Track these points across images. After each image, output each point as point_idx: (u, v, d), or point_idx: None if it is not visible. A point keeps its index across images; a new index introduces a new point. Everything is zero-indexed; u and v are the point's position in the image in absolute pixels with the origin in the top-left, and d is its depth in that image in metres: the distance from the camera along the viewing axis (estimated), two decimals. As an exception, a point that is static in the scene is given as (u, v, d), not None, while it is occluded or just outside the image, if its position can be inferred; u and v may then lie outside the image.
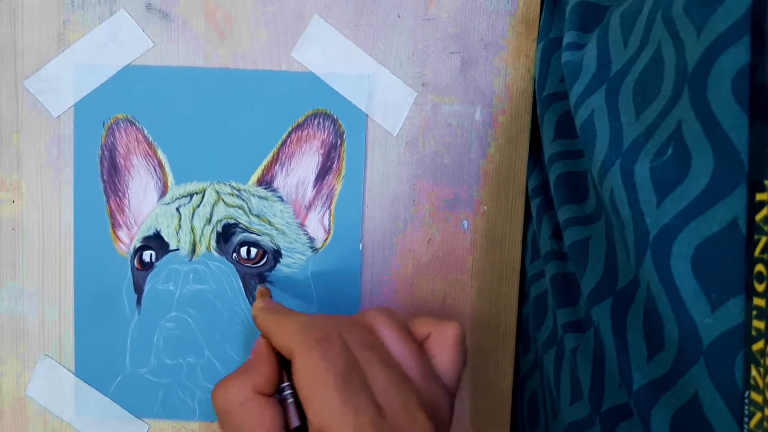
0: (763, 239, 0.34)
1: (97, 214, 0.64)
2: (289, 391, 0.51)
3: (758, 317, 0.34)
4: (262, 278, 0.64)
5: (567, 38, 0.54)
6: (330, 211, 0.64)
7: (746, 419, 0.34)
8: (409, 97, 0.63)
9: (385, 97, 0.63)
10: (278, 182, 0.64)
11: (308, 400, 0.46)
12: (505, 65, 0.63)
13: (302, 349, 0.48)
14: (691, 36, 0.39)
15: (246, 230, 0.64)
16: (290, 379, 0.50)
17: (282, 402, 0.51)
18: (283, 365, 0.52)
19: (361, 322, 0.53)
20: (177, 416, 0.65)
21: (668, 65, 0.41)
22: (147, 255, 0.64)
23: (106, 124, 0.63)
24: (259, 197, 0.64)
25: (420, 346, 0.53)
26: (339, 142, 0.63)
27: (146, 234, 0.64)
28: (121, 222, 0.64)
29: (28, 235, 0.64)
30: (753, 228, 0.34)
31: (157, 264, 0.64)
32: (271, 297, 0.61)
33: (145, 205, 0.64)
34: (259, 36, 0.63)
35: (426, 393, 0.50)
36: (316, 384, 0.46)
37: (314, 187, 0.64)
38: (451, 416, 0.53)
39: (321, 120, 0.63)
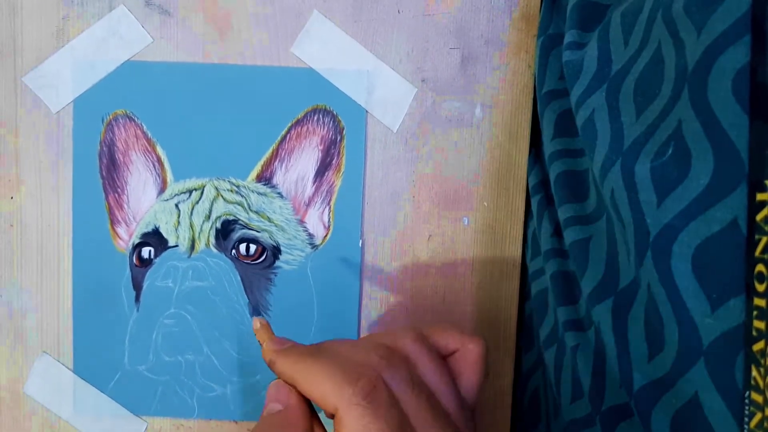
0: (764, 239, 0.34)
1: (96, 210, 0.64)
2: None
3: (759, 317, 0.34)
4: (262, 275, 0.64)
5: (568, 37, 0.54)
6: (329, 208, 0.64)
7: (746, 419, 0.34)
8: (409, 93, 0.63)
9: (385, 93, 0.63)
10: (278, 178, 0.64)
11: None
12: (505, 61, 0.63)
13: (350, 406, 0.43)
14: (692, 36, 0.38)
15: (245, 227, 0.63)
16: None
17: None
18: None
19: (396, 350, 0.49)
20: (175, 414, 0.65)
21: (668, 65, 0.41)
22: (146, 251, 0.64)
23: (105, 120, 0.63)
24: (259, 193, 0.63)
25: (448, 370, 0.51)
26: (339, 138, 0.63)
27: (145, 230, 0.64)
28: (119, 218, 0.64)
29: (26, 231, 0.64)
30: (753, 228, 0.34)
31: (155, 260, 0.64)
32: (271, 330, 0.54)
33: (144, 202, 0.64)
34: (258, 32, 0.62)
35: (460, 422, 0.48)
36: None
37: (314, 183, 0.64)
38: None
39: (320, 116, 0.63)
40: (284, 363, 0.48)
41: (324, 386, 0.44)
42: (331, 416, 0.44)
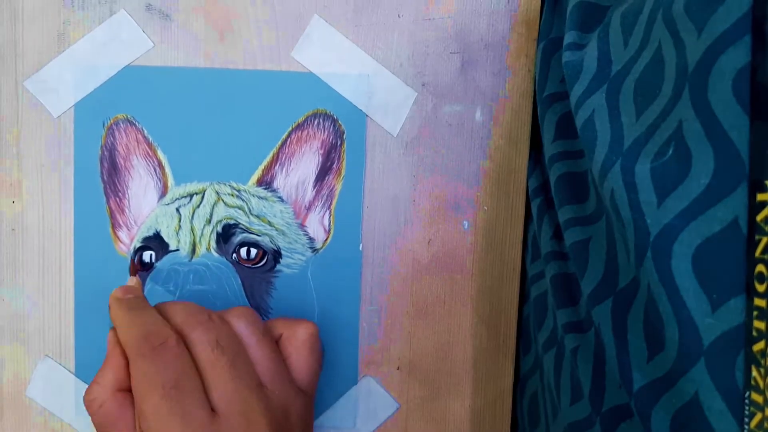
0: (764, 239, 0.34)
1: (97, 214, 0.64)
2: None
3: (759, 318, 0.34)
4: (263, 279, 0.64)
5: (567, 38, 0.54)
6: (330, 212, 0.64)
7: (747, 420, 0.34)
8: (409, 98, 0.63)
9: (385, 98, 0.63)
10: (278, 182, 0.64)
11: (138, 409, 0.48)
12: (506, 65, 0.63)
13: (135, 357, 0.49)
14: (692, 36, 0.39)
15: (246, 231, 0.64)
16: None
17: None
18: None
19: (223, 320, 0.54)
20: (177, 417, 0.65)
21: (669, 65, 0.41)
22: (147, 255, 0.64)
23: (106, 125, 0.63)
24: (259, 197, 0.64)
25: (278, 350, 0.55)
26: (339, 143, 0.63)
27: (146, 234, 0.64)
28: (121, 222, 0.64)
29: (28, 235, 0.64)
30: (754, 228, 0.34)
31: (157, 264, 0.64)
32: (140, 289, 0.60)
33: (145, 206, 0.64)
34: (258, 36, 0.63)
35: (277, 397, 0.52)
36: (145, 393, 0.48)
37: (314, 187, 0.64)
38: (307, 419, 0.55)
39: (321, 120, 0.63)
40: (114, 311, 0.54)
41: (126, 335, 0.51)
42: None
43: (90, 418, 0.52)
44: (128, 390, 0.51)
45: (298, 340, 0.55)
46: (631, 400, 0.42)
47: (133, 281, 0.61)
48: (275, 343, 0.55)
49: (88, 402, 0.51)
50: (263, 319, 0.63)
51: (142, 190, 0.64)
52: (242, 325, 0.54)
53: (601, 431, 0.46)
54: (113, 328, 0.53)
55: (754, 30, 0.35)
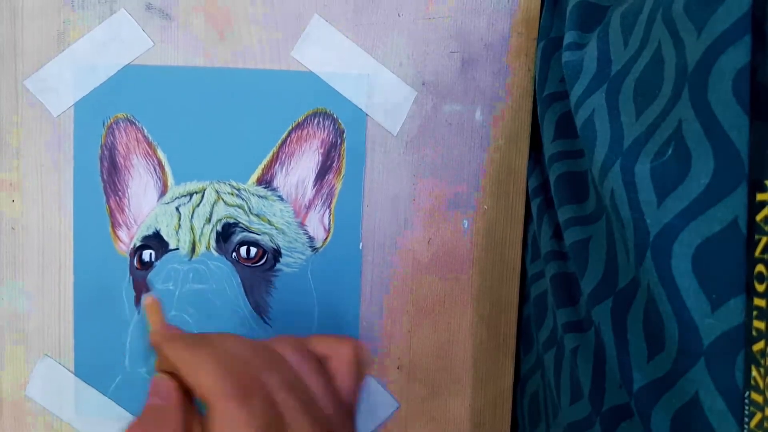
0: (764, 239, 0.34)
1: (97, 213, 0.64)
2: None
3: (759, 317, 0.34)
4: (263, 278, 0.64)
5: (567, 38, 0.54)
6: (330, 211, 0.64)
7: (747, 419, 0.34)
8: (409, 97, 0.63)
9: (385, 97, 0.63)
10: (278, 181, 0.64)
11: None
12: (506, 65, 0.63)
13: (223, 399, 0.45)
14: (692, 36, 0.39)
15: (246, 230, 0.64)
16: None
17: None
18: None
19: (278, 355, 0.51)
20: (176, 416, 0.65)
21: (668, 65, 0.41)
22: (147, 254, 0.64)
23: (106, 124, 0.63)
24: (259, 196, 0.64)
25: (327, 374, 0.52)
26: (339, 142, 0.63)
27: (146, 233, 0.64)
28: (120, 221, 0.64)
29: (27, 234, 0.64)
30: (753, 228, 0.34)
31: (156, 263, 0.64)
32: (161, 311, 0.57)
33: (145, 205, 0.64)
34: (258, 35, 0.63)
35: (336, 422, 0.50)
36: None
37: (314, 186, 0.64)
38: None
39: (321, 119, 0.63)
40: (171, 348, 0.49)
41: (204, 377, 0.46)
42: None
43: None
44: None
45: (344, 361, 0.53)
46: (631, 400, 0.42)
47: (150, 300, 0.60)
48: (321, 365, 0.53)
49: None
50: (264, 318, 0.64)
51: (141, 189, 0.64)
52: (296, 357, 0.51)
53: (601, 431, 0.46)
54: (165, 374, 0.50)
55: (754, 30, 0.35)
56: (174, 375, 0.49)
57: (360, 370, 0.54)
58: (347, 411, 0.52)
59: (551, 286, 0.56)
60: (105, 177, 0.63)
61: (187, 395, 0.50)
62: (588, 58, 0.51)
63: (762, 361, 0.34)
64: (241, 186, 0.63)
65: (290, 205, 0.64)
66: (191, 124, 0.63)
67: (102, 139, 0.63)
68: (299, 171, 0.64)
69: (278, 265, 0.64)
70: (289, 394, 0.47)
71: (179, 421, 0.48)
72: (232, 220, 0.63)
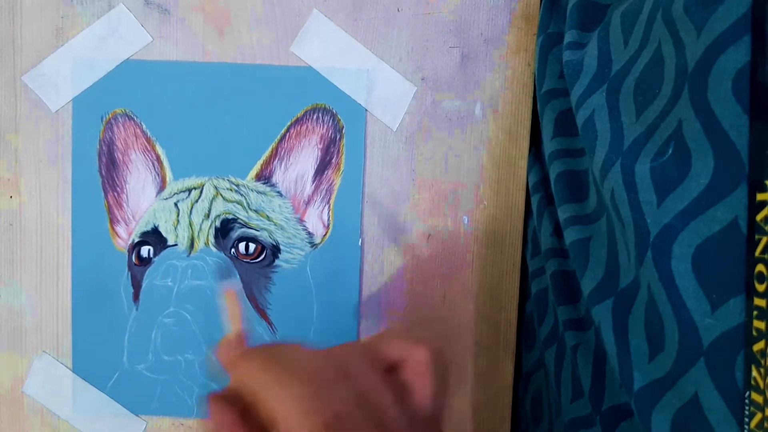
0: (764, 239, 0.34)
1: (95, 209, 0.64)
2: None
3: (759, 317, 0.34)
4: (261, 274, 0.64)
5: (568, 37, 0.54)
6: (329, 206, 0.64)
7: (747, 419, 0.34)
8: (408, 92, 0.63)
9: (385, 92, 0.63)
10: (277, 177, 0.63)
11: None
12: (505, 60, 0.63)
13: None
14: (692, 36, 0.38)
15: (244, 225, 0.63)
16: None
17: None
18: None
19: (346, 370, 0.48)
20: (175, 413, 0.65)
21: (668, 65, 0.41)
22: (145, 250, 0.64)
23: (104, 119, 0.63)
24: (258, 192, 0.63)
25: (400, 383, 0.49)
26: (338, 137, 0.63)
27: (144, 229, 0.64)
28: (119, 217, 0.64)
29: (26, 230, 0.64)
30: (753, 228, 0.34)
31: (155, 259, 0.64)
32: (239, 303, 0.55)
33: (144, 201, 0.64)
34: (258, 31, 0.62)
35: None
36: None
37: (313, 182, 0.64)
38: None
39: (320, 115, 0.63)
40: (249, 368, 0.46)
41: (289, 410, 0.43)
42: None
43: None
44: None
45: (419, 370, 0.49)
46: (631, 400, 0.42)
47: (232, 296, 0.56)
48: (391, 375, 0.49)
49: None
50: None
51: (140, 184, 0.64)
52: (360, 363, 0.48)
53: (602, 430, 0.46)
54: (221, 406, 0.45)
55: (754, 30, 0.35)
56: (237, 397, 0.46)
57: (435, 375, 0.50)
58: (427, 420, 0.49)
59: (552, 283, 0.55)
60: (103, 172, 0.63)
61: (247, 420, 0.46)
62: (588, 58, 0.50)
63: (762, 361, 0.34)
64: (240, 182, 0.63)
65: (289, 201, 0.64)
66: (190, 120, 0.63)
67: (100, 134, 0.63)
68: (298, 166, 0.63)
69: (277, 261, 0.64)
70: (363, 413, 0.45)
71: None
72: (230, 216, 0.63)
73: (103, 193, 0.63)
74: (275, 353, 0.47)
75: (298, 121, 0.63)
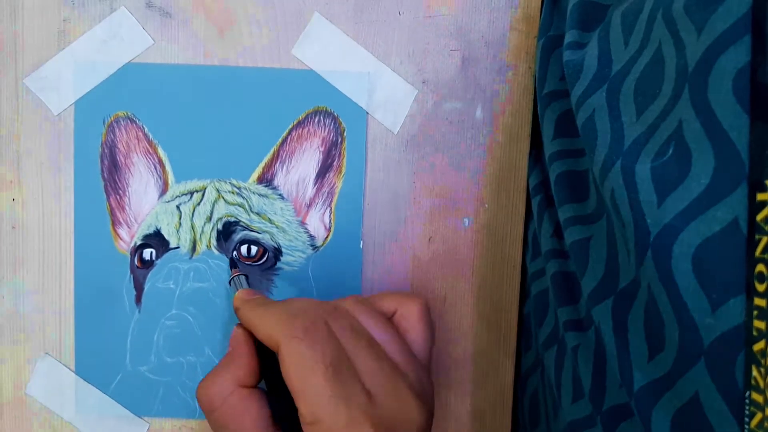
0: (764, 239, 0.34)
1: (98, 212, 0.64)
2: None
3: (759, 317, 0.34)
4: (263, 276, 0.64)
5: (568, 37, 0.54)
6: (330, 209, 0.64)
7: (747, 419, 0.34)
8: (409, 95, 0.63)
9: (386, 95, 0.63)
10: (279, 180, 0.64)
11: (299, 392, 0.47)
12: (506, 63, 0.63)
13: (289, 339, 0.48)
14: (692, 36, 0.38)
15: (246, 228, 0.64)
16: (271, 369, 0.51)
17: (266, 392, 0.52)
18: (263, 355, 0.53)
19: (342, 309, 0.53)
20: (177, 415, 0.65)
21: (669, 65, 0.41)
22: (147, 253, 0.64)
23: (106, 122, 0.63)
24: (260, 195, 0.64)
25: (395, 328, 0.54)
26: (339, 140, 0.63)
27: (146, 232, 0.64)
28: (121, 220, 0.64)
29: (28, 233, 0.64)
30: (754, 228, 0.34)
31: (157, 262, 0.64)
32: (249, 285, 0.61)
33: (146, 203, 0.64)
34: (259, 33, 0.62)
35: (411, 374, 0.51)
36: (306, 374, 0.46)
37: (315, 184, 0.64)
38: (432, 391, 0.54)
39: (321, 118, 0.63)
40: (245, 309, 0.54)
41: (270, 326, 0.50)
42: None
43: (205, 415, 0.52)
44: (251, 386, 0.52)
45: (413, 315, 0.55)
46: (631, 400, 0.42)
47: (241, 277, 0.62)
48: (391, 322, 0.55)
49: (210, 397, 0.51)
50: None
51: (142, 187, 0.64)
52: (359, 310, 0.53)
53: (602, 431, 0.46)
54: (239, 325, 0.55)
55: (754, 30, 0.35)
56: (249, 332, 0.54)
57: (427, 323, 0.55)
58: (419, 363, 0.53)
59: (552, 285, 0.56)
60: (105, 175, 0.63)
61: (257, 348, 0.54)
62: (589, 58, 0.51)
63: (762, 361, 0.34)
64: (242, 184, 0.63)
65: (291, 204, 0.64)
66: (192, 123, 0.63)
67: (102, 137, 0.63)
68: (300, 169, 0.64)
69: (279, 264, 0.64)
70: (354, 337, 0.49)
71: (248, 362, 0.52)
72: (232, 219, 0.63)
73: (105, 196, 0.64)
74: (275, 300, 0.56)
75: (299, 124, 0.63)
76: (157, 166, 0.63)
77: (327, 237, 0.64)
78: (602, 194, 0.45)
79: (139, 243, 0.64)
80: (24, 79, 0.63)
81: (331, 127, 0.63)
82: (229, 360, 0.53)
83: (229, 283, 0.63)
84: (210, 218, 0.63)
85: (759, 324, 0.34)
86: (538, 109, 0.59)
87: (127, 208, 0.64)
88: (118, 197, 0.64)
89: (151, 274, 0.64)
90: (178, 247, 0.64)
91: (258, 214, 0.63)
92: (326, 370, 0.46)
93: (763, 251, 0.34)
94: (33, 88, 0.63)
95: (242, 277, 0.61)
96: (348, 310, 0.53)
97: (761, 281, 0.34)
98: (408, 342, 0.54)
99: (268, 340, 0.50)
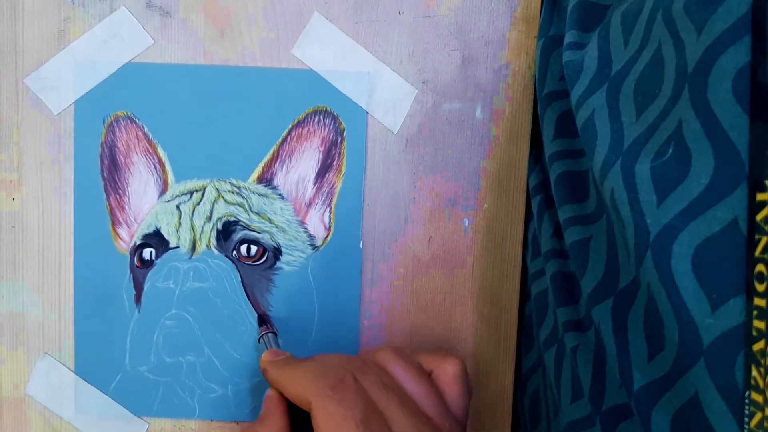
0: (764, 239, 0.34)
1: (97, 211, 0.64)
2: None
3: (759, 317, 0.34)
4: (263, 276, 0.64)
5: (568, 38, 0.54)
6: (330, 209, 0.64)
7: (747, 419, 0.34)
8: (409, 95, 0.63)
9: (386, 95, 0.63)
10: (278, 180, 0.64)
11: None
12: (506, 63, 0.63)
13: (319, 398, 0.48)
14: (692, 36, 0.38)
15: (246, 228, 0.64)
16: (305, 428, 0.50)
17: None
18: (295, 415, 0.53)
19: (373, 362, 0.53)
20: (177, 415, 0.65)
21: (668, 65, 0.41)
22: (147, 253, 0.64)
23: (106, 122, 0.63)
24: (260, 195, 0.64)
25: (434, 385, 0.54)
26: (339, 140, 0.63)
27: (146, 232, 0.64)
28: (121, 220, 0.64)
29: (28, 232, 0.64)
30: (753, 228, 0.34)
31: (157, 262, 0.64)
32: (278, 343, 0.62)
33: (145, 203, 0.64)
34: (259, 33, 0.62)
35: (445, 430, 0.51)
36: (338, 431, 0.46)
37: (314, 184, 0.64)
38: None
39: (321, 117, 0.63)
40: (273, 370, 0.54)
41: (300, 384, 0.50)
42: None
43: None
44: None
45: (449, 376, 0.54)
46: (631, 400, 0.42)
47: (269, 338, 0.63)
48: (427, 375, 0.55)
49: None
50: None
51: (142, 187, 0.64)
52: (395, 363, 0.53)
53: (601, 431, 0.46)
54: (272, 389, 0.55)
55: (754, 30, 0.35)
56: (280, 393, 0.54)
57: (464, 385, 0.55)
58: (455, 419, 0.53)
59: (552, 285, 0.56)
60: (105, 175, 0.63)
61: (289, 409, 0.54)
62: (588, 58, 0.51)
63: (762, 361, 0.34)
64: (242, 184, 0.63)
65: (291, 204, 0.64)
66: (192, 122, 0.63)
67: (102, 136, 0.63)
68: (300, 169, 0.64)
69: (278, 264, 0.64)
70: (385, 392, 0.49)
71: (280, 423, 0.52)
72: (232, 218, 0.63)
73: (105, 196, 0.64)
74: (302, 359, 0.55)
75: (299, 124, 0.63)
76: (157, 165, 0.63)
77: (327, 237, 0.64)
78: (602, 194, 0.45)
79: (138, 242, 0.64)
80: (24, 78, 0.63)
81: (331, 126, 0.63)
82: (262, 420, 0.53)
83: (258, 340, 0.63)
84: (210, 218, 0.63)
85: (759, 324, 0.34)
86: (538, 109, 0.59)
87: (126, 207, 0.64)
88: (117, 197, 0.64)
89: (151, 274, 0.64)
90: (177, 247, 0.64)
91: (258, 213, 0.63)
92: (357, 427, 0.46)
93: (763, 251, 0.34)
94: (33, 87, 0.63)
95: (270, 335, 0.62)
96: (379, 364, 0.53)
97: (761, 281, 0.34)
98: (446, 402, 0.54)
99: (298, 400, 0.50)
